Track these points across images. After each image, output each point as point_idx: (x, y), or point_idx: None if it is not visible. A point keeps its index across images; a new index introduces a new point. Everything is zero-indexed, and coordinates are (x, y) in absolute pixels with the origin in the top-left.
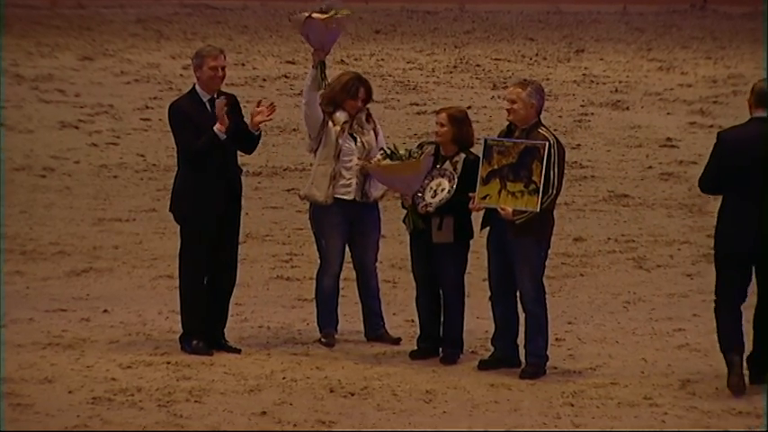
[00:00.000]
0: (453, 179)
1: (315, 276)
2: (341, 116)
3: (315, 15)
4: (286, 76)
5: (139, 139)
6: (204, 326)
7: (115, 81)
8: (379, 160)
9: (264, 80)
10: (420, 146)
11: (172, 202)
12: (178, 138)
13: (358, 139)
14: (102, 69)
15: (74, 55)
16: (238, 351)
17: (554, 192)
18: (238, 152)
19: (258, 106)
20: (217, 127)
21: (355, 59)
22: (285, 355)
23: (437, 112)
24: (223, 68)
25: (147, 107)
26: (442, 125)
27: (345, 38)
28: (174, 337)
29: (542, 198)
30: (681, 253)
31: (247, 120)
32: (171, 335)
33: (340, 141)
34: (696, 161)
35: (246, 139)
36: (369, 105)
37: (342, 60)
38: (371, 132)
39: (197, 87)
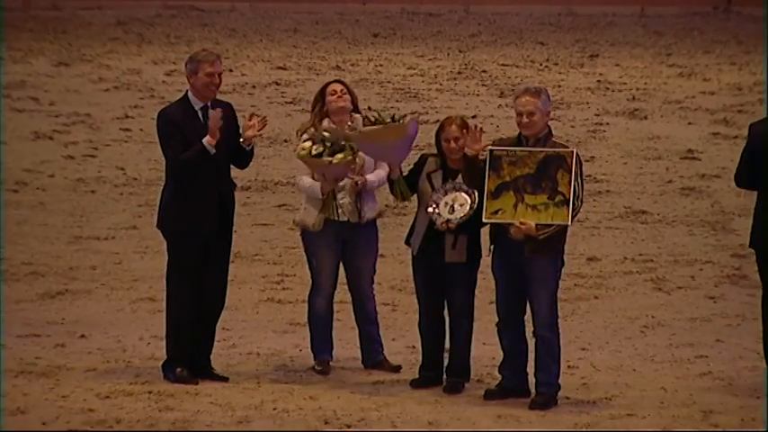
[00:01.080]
0: (473, 193)
1: (307, 299)
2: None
3: (335, 161)
4: (277, 83)
5: (119, 150)
6: (189, 352)
7: (93, 88)
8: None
9: (254, 87)
10: (422, 157)
11: (159, 217)
12: (165, 148)
13: None
14: (78, 76)
15: (48, 60)
16: (226, 379)
17: (580, 204)
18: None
19: (249, 120)
20: (206, 140)
21: (352, 65)
22: (276, 384)
23: (443, 127)
24: (219, 75)
25: (128, 116)
26: (458, 138)
27: (341, 42)
28: (157, 365)
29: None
30: (703, 274)
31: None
32: (153, 362)
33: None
34: (719, 174)
35: (238, 153)
36: (364, 114)
37: (337, 66)
38: None
39: (189, 95)
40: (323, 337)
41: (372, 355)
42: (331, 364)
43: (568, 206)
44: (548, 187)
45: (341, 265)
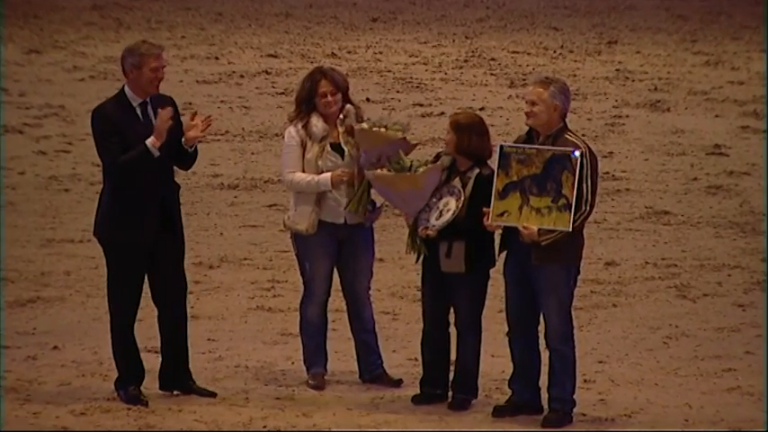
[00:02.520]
0: (459, 198)
1: (298, 307)
2: (318, 130)
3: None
4: (267, 72)
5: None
6: (141, 371)
7: (67, 77)
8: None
9: (242, 76)
10: (437, 157)
11: (96, 224)
12: (101, 150)
13: (345, 152)
14: (51, 64)
15: (18, 47)
16: (212, 395)
17: (587, 208)
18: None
19: (191, 119)
20: (151, 141)
21: (348, 52)
22: (266, 400)
23: (451, 116)
24: (163, 69)
25: None
26: (447, 132)
27: (337, 27)
28: None
29: (575, 215)
30: (731, 280)
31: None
32: None
33: (320, 163)
34: (749, 171)
35: (180, 154)
36: (360, 106)
37: (333, 53)
38: None
39: (127, 90)
40: (316, 348)
41: (370, 367)
42: (325, 377)
43: (570, 211)
44: (552, 189)
45: (335, 269)
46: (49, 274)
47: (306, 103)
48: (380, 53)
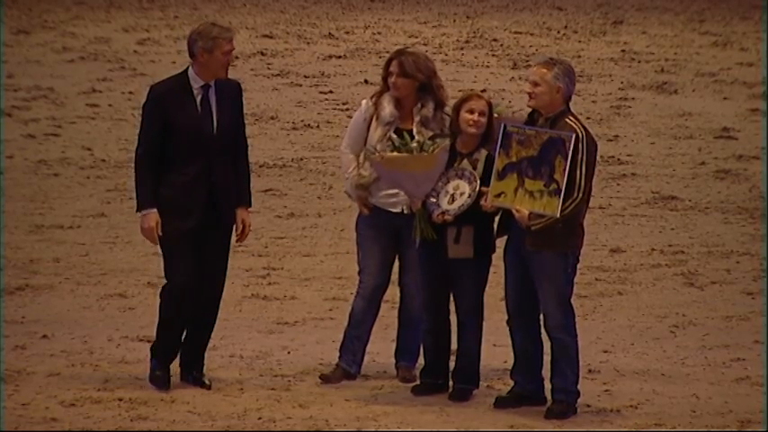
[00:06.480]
0: (474, 181)
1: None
2: (385, 114)
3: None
4: (262, 53)
5: (85, 129)
6: (173, 357)
7: (56, 59)
8: (383, 152)
9: (237, 58)
10: (432, 138)
11: None
12: (141, 129)
13: (415, 139)
14: (40, 45)
15: (6, 28)
16: (207, 386)
17: (579, 195)
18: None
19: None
20: (149, 216)
21: (346, 32)
22: (261, 391)
23: (469, 98)
24: (232, 53)
25: (95, 90)
26: (483, 114)
27: (334, 6)
28: (128, 369)
29: (564, 201)
30: (740, 267)
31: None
32: (123, 366)
33: (378, 147)
34: (758, 155)
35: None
36: (446, 103)
37: (330, 34)
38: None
39: (191, 72)
40: (351, 340)
41: (400, 360)
42: (358, 377)
43: (559, 196)
44: (545, 173)
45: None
46: (38, 261)
47: (384, 81)
48: (379, 33)
